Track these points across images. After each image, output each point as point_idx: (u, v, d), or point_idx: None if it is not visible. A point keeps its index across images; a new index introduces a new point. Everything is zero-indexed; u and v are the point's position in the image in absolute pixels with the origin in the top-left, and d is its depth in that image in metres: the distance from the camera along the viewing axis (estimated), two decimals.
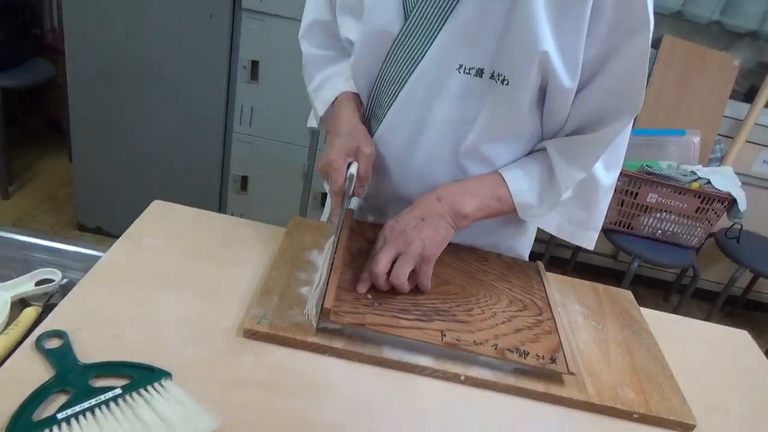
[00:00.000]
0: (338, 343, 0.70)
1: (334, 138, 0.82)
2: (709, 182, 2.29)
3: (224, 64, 2.11)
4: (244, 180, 2.31)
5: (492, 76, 0.75)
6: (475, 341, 0.71)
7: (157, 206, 0.95)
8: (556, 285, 0.92)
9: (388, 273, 0.75)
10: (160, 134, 2.26)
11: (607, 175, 0.84)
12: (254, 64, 2.11)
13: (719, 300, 2.58)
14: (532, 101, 0.77)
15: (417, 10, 0.76)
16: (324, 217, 1.10)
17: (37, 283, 0.82)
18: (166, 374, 0.63)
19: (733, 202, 2.28)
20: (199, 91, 2.16)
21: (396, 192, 0.88)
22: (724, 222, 2.47)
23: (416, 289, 0.78)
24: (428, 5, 0.75)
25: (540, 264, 0.94)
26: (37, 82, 2.63)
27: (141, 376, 0.62)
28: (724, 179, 2.30)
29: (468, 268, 0.87)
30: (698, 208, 2.33)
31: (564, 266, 2.81)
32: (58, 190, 2.71)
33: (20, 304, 0.79)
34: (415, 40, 0.77)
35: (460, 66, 0.76)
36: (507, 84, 0.74)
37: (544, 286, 0.87)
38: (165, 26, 2.07)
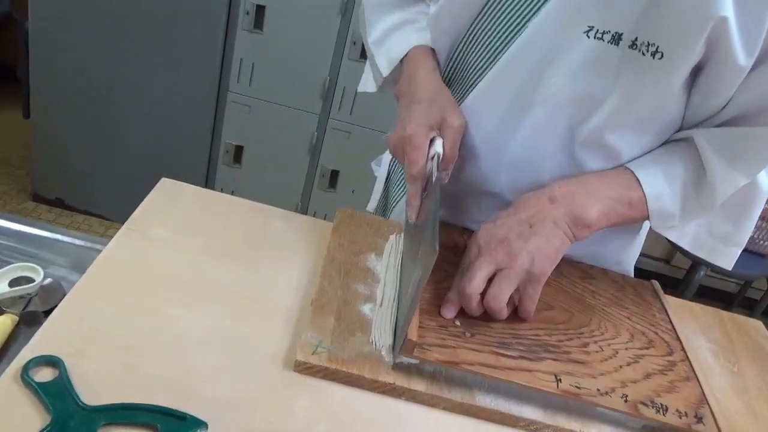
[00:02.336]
0: (419, 384, 0.64)
1: (412, 105, 0.75)
2: None
3: (223, 7, 2.01)
4: (239, 150, 2.24)
5: (634, 45, 0.67)
6: (599, 390, 0.65)
7: (165, 186, 0.86)
8: (674, 311, 0.85)
9: (482, 293, 0.69)
10: (139, 89, 2.15)
11: None
12: (259, 9, 2.00)
13: None
14: (686, 80, 0.70)
15: None
16: (371, 206, 1.03)
17: (11, 283, 0.73)
18: (201, 424, 0.54)
19: None
20: (190, 40, 2.06)
21: (480, 183, 0.82)
22: None
23: (513, 315, 0.72)
24: None
25: (656, 284, 0.88)
26: None
27: (169, 427, 0.53)
28: None
29: (572, 288, 0.81)
30: None
31: None
32: (10, 152, 2.59)
33: None
34: None
35: (590, 28, 0.68)
36: (660, 57, 0.66)
37: (668, 315, 0.82)
38: None
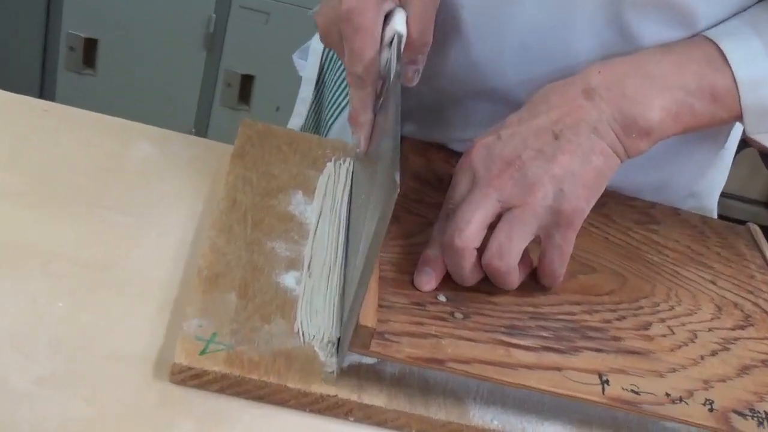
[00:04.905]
0: (377, 397, 0.64)
1: None
2: None
3: None
4: (90, 46, 2.23)
5: None
6: (668, 394, 0.65)
7: None
8: None
9: (480, 248, 0.69)
10: None
11: None
12: None
13: None
14: None
15: None
16: (295, 123, 1.05)
17: None
18: None
19: None
20: None
21: (472, 77, 0.84)
22: None
23: (530, 283, 0.74)
24: None
25: (755, 229, 0.90)
26: None
27: None
28: None
29: (624, 239, 0.83)
30: None
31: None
32: None
33: None
34: None
35: None
36: None
37: None
38: None
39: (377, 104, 0.73)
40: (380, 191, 0.60)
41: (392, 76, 0.70)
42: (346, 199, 0.80)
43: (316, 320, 0.67)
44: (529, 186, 0.68)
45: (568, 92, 0.72)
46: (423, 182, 0.81)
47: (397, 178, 0.55)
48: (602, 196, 0.73)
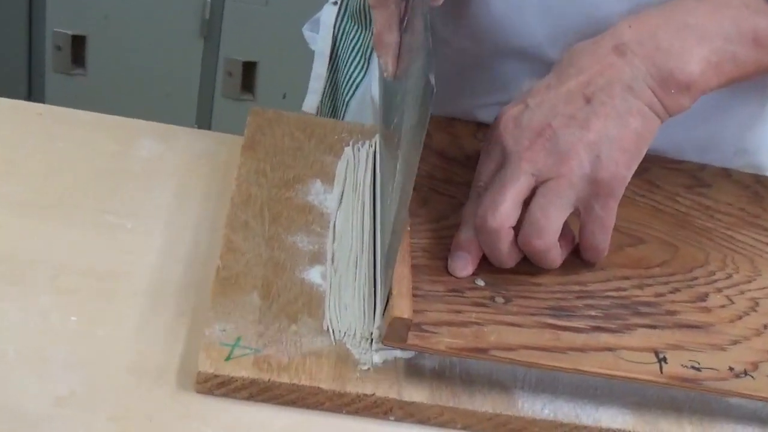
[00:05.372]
0: (418, 392, 0.64)
1: None
2: None
3: None
4: (79, 44, 2.23)
5: None
6: (731, 368, 0.66)
7: None
8: None
9: (516, 227, 0.69)
10: None
11: None
12: None
13: None
14: None
15: None
16: (309, 105, 1.05)
17: None
18: None
19: None
20: None
21: (495, 36, 0.84)
22: None
23: (573, 260, 0.73)
24: None
25: None
26: None
27: None
28: None
29: (672, 206, 0.83)
30: None
31: None
32: None
33: None
34: None
35: None
36: None
37: None
38: None
39: (401, 25, 0.72)
40: (414, 98, 0.60)
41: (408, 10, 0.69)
42: (368, 183, 0.79)
43: (346, 316, 0.67)
44: (562, 155, 0.68)
45: (597, 51, 0.72)
46: (450, 160, 0.81)
47: (432, 79, 0.54)
48: (644, 161, 0.72)
